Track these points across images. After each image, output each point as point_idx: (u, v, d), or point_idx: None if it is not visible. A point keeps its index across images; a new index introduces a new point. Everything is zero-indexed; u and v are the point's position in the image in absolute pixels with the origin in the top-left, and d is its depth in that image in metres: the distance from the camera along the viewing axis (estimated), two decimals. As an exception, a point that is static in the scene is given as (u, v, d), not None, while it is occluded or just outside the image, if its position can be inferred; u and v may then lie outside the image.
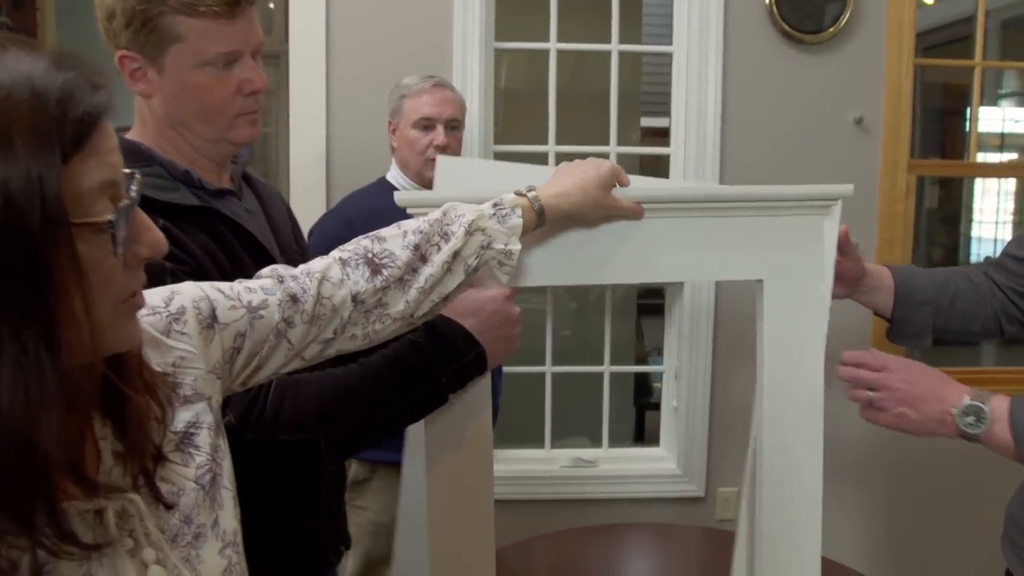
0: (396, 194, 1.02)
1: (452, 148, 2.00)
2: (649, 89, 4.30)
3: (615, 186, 1.03)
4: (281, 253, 1.14)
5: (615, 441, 2.82)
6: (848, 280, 1.25)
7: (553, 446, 2.80)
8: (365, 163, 2.37)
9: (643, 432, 4.08)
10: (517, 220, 0.93)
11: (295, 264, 0.89)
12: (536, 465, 2.74)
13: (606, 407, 2.80)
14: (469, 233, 0.90)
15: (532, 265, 1.04)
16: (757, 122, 2.59)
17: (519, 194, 0.96)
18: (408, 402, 0.98)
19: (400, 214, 1.97)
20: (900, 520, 2.88)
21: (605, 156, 2.65)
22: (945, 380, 1.06)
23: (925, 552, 2.94)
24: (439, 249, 0.88)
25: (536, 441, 2.78)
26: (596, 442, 2.88)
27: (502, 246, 0.92)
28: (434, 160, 1.91)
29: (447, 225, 0.90)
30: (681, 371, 2.72)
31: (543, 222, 0.97)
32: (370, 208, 1.95)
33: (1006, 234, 6.58)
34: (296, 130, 2.52)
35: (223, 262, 1.00)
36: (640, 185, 1.08)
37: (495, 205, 0.94)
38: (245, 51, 1.03)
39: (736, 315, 2.67)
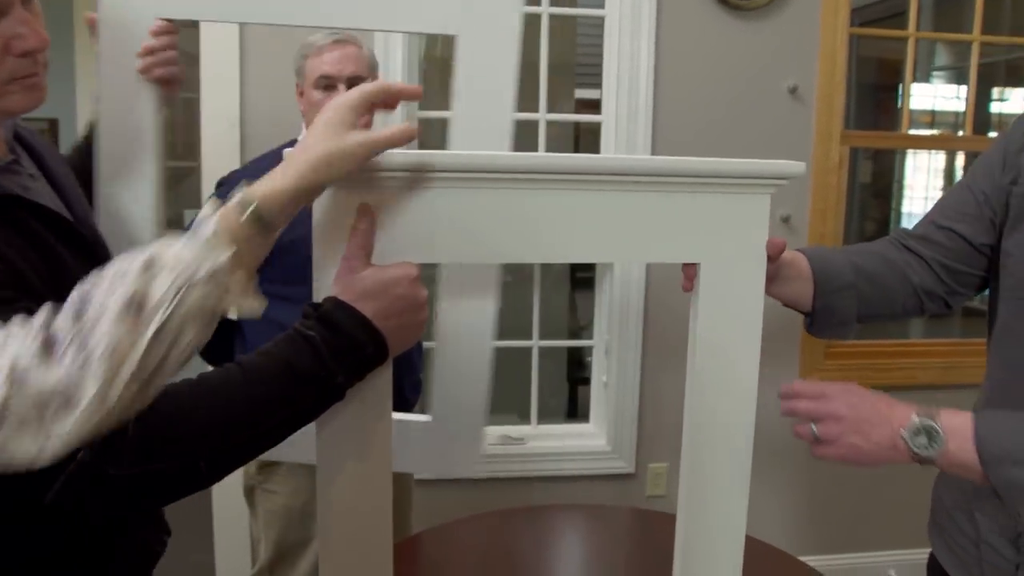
0: (286, 153, 0.89)
1: None
2: (585, 60, 4.21)
3: (370, 111, 0.90)
4: (77, 223, 0.98)
5: (548, 417, 2.77)
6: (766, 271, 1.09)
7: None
8: (283, 130, 2.24)
9: (576, 408, 4.04)
10: (210, 229, 0.76)
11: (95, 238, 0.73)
12: (463, 443, 2.65)
13: (535, 382, 2.73)
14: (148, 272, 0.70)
15: (441, 242, 0.95)
16: (691, 89, 2.53)
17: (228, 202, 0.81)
18: (302, 406, 0.85)
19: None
20: (823, 497, 2.88)
21: (534, 124, 2.57)
22: (887, 399, 0.98)
23: (849, 527, 2.96)
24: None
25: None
26: (525, 419, 2.82)
27: (209, 269, 0.73)
28: None
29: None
30: (611, 346, 2.66)
31: (268, 227, 0.83)
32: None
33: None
34: (208, 97, 2.38)
35: (33, 257, 0.85)
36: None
37: (190, 234, 0.77)
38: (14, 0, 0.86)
39: (667, 288, 2.62)
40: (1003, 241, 1.11)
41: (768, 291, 1.18)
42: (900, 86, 5.85)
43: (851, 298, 1.19)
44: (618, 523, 1.86)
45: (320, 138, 0.84)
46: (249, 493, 1.95)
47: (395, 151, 0.90)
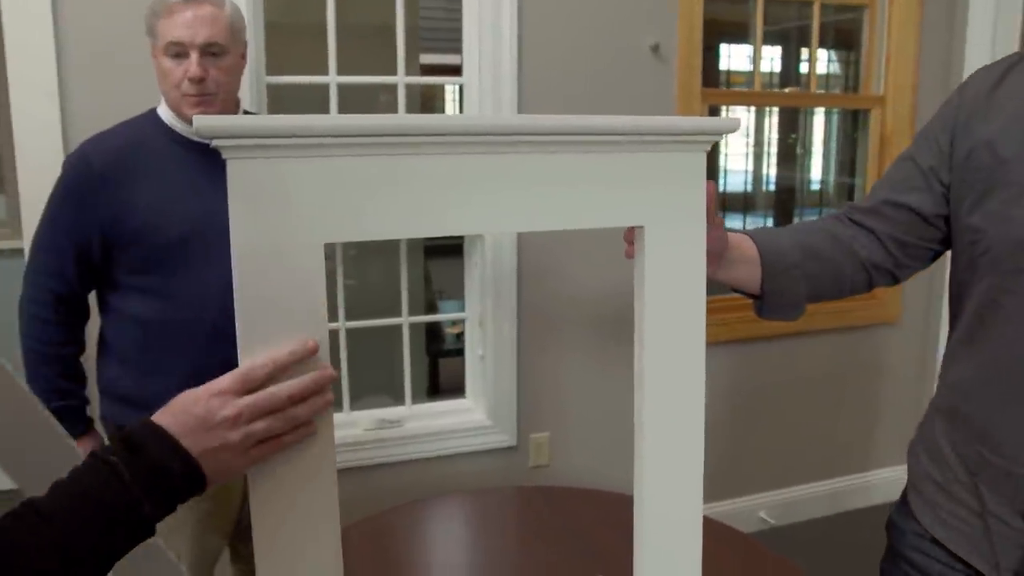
0: (196, 119, 0.76)
1: (218, 80, 1.62)
2: (427, 25, 4.10)
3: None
4: None
5: (412, 394, 2.67)
6: (711, 254, 1.03)
7: (352, 408, 2.60)
8: (115, 99, 2.01)
9: (438, 382, 3.97)
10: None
11: None
12: (337, 431, 2.51)
13: (407, 361, 2.63)
14: None
15: (363, 216, 0.85)
16: (555, 50, 2.48)
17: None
18: (109, 541, 0.71)
19: (165, 151, 1.68)
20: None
21: (392, 88, 2.45)
22: None
23: (720, 476, 3.07)
24: None
25: (333, 405, 2.55)
26: (396, 399, 2.72)
27: None
28: (192, 97, 1.61)
29: None
30: (486, 318, 2.60)
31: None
32: (118, 148, 1.61)
33: (748, 165, 7.13)
34: (15, 64, 2.09)
35: None
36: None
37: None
38: None
39: (540, 257, 2.59)
40: (967, 217, 1.11)
41: (715, 276, 1.15)
42: (719, 47, 6.14)
43: (799, 279, 1.18)
44: (507, 503, 1.81)
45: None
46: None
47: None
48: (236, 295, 0.80)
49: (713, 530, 1.52)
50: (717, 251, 1.09)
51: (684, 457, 1.05)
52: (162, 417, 0.76)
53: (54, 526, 0.67)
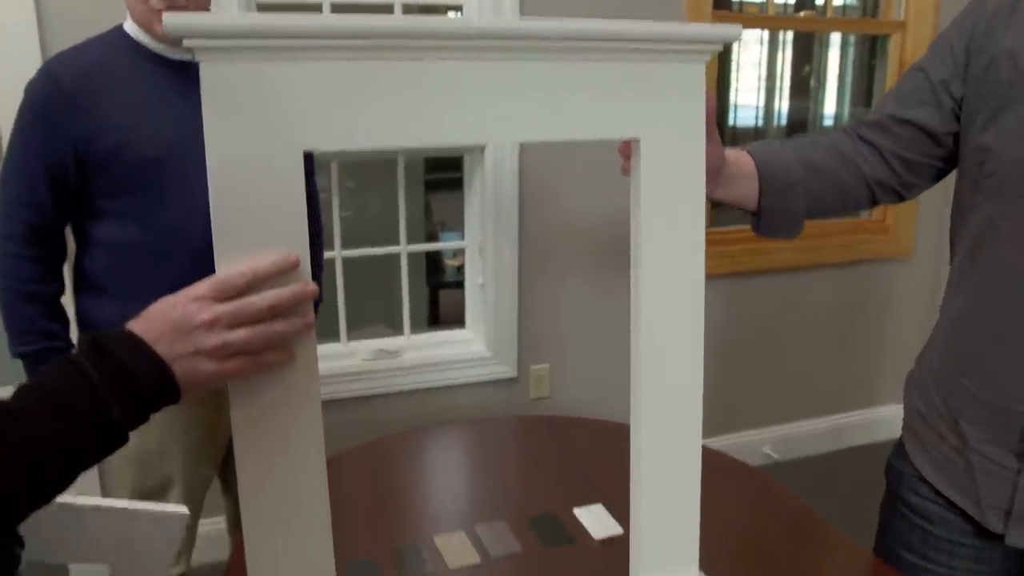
0: (166, 17, 0.71)
1: None
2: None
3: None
4: None
5: (413, 325, 2.65)
6: (707, 170, 0.99)
7: (350, 339, 2.59)
8: (99, 13, 1.95)
9: (438, 313, 3.97)
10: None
11: None
12: (334, 362, 2.52)
13: (406, 290, 2.61)
14: None
15: (349, 124, 0.81)
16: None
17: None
18: (81, 443, 0.70)
19: (134, 69, 1.61)
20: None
21: (389, 8, 2.37)
22: None
23: (724, 410, 3.07)
24: None
25: (330, 335, 2.55)
26: (395, 329, 2.70)
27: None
28: (161, 14, 1.51)
29: None
30: (486, 245, 2.57)
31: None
32: (86, 66, 1.54)
33: (760, 100, 7.01)
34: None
35: None
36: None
37: None
38: None
39: (542, 184, 2.54)
40: (978, 135, 1.06)
41: (712, 194, 1.12)
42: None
43: (798, 195, 1.15)
44: (509, 432, 1.80)
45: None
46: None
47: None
48: (212, 206, 0.77)
49: (715, 460, 1.52)
50: (714, 167, 1.06)
51: (683, 381, 1.02)
52: (136, 324, 0.74)
53: (20, 424, 0.66)
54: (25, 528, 0.76)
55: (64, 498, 0.94)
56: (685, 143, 0.96)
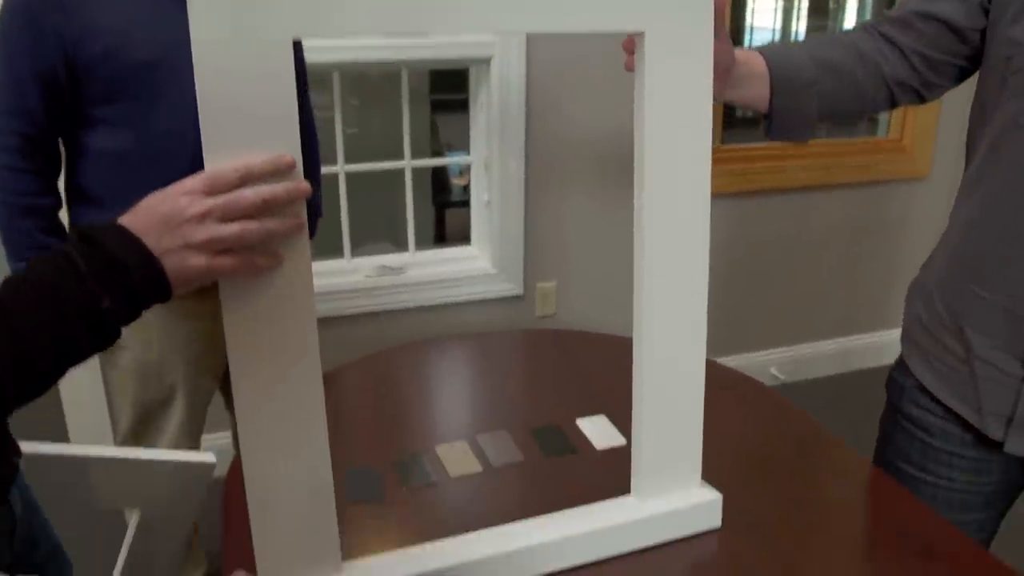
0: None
1: None
2: None
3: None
4: None
5: (418, 243, 2.64)
6: (717, 72, 0.97)
7: (353, 255, 2.57)
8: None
9: (444, 232, 3.95)
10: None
11: None
12: (337, 278, 2.51)
13: (410, 206, 2.58)
14: None
15: (341, 9, 0.77)
16: None
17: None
18: (70, 334, 0.68)
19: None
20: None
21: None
22: None
23: (732, 331, 3.07)
24: None
25: (334, 251, 2.54)
26: (400, 247, 2.68)
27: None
28: None
29: None
30: (492, 160, 2.53)
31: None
32: None
33: (776, 23, 6.81)
34: None
35: None
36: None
37: None
38: None
39: (548, 95, 2.49)
40: (1007, 28, 1.01)
41: (721, 96, 1.08)
42: None
43: (812, 96, 1.11)
44: (514, 346, 1.79)
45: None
46: (97, 351, 1.74)
47: None
48: (200, 99, 0.74)
49: (723, 375, 1.51)
50: (723, 66, 1.02)
51: (687, 291, 1.01)
52: (125, 218, 0.73)
53: (6, 314, 0.65)
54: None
55: (92, 449, 0.94)
56: (691, 37, 0.92)
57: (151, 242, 0.71)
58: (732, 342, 3.07)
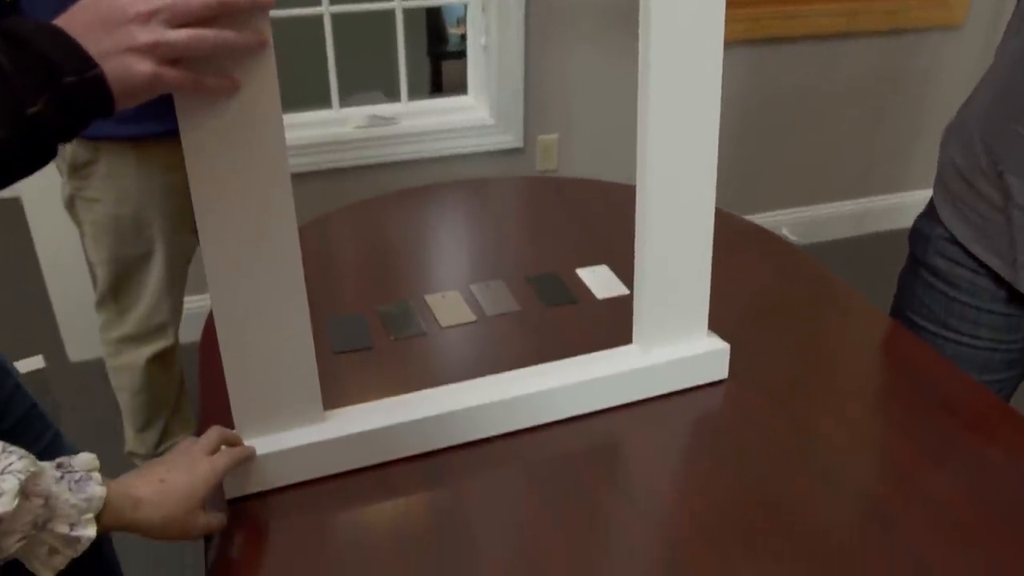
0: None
1: None
2: None
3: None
4: None
5: (412, 95, 2.53)
6: None
7: (342, 105, 2.48)
8: None
9: (440, 84, 3.82)
10: (96, 490, 0.68)
11: None
12: (325, 129, 2.43)
13: (401, 50, 2.46)
14: (24, 496, 0.61)
15: None
16: None
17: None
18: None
19: None
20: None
21: None
22: None
23: (743, 189, 3.00)
24: None
25: (321, 101, 2.44)
26: (392, 96, 2.58)
27: (66, 530, 0.65)
28: None
29: None
30: (490, 1, 2.40)
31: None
32: None
33: None
34: None
35: None
36: None
37: (58, 465, 0.67)
38: None
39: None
40: None
41: None
42: None
43: None
44: (516, 192, 1.73)
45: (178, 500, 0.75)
46: (70, 205, 1.68)
47: None
48: None
49: (735, 224, 1.46)
50: None
51: (694, 135, 0.94)
52: (60, 18, 0.65)
53: None
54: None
55: None
56: None
57: (89, 46, 0.63)
58: (742, 201, 3.00)
